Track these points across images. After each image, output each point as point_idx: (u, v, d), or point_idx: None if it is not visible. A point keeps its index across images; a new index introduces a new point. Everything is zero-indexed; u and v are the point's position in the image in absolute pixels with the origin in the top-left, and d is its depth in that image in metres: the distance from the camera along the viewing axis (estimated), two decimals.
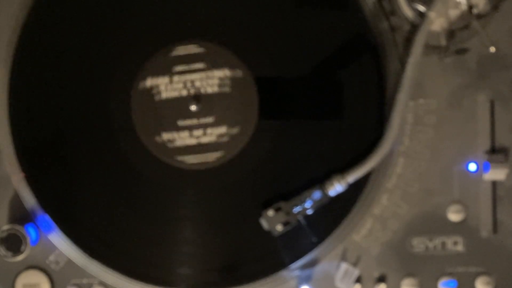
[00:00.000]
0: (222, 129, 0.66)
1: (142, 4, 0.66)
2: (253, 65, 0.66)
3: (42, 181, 0.66)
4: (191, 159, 0.66)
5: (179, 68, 0.66)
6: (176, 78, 0.66)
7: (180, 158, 0.66)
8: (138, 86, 0.66)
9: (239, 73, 0.66)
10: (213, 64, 0.66)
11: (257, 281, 0.66)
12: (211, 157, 0.66)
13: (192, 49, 0.66)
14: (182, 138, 0.66)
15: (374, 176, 0.66)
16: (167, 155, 0.66)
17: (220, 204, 0.66)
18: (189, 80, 0.66)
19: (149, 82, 0.66)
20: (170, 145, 0.66)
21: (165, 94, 0.66)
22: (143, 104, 0.66)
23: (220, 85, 0.66)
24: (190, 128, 0.66)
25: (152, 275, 0.67)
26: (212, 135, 0.66)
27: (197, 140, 0.66)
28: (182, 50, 0.66)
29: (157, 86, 0.66)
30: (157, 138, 0.66)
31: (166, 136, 0.66)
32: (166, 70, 0.66)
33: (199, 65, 0.66)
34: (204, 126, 0.66)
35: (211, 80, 0.66)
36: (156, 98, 0.66)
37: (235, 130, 0.66)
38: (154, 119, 0.66)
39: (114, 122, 0.66)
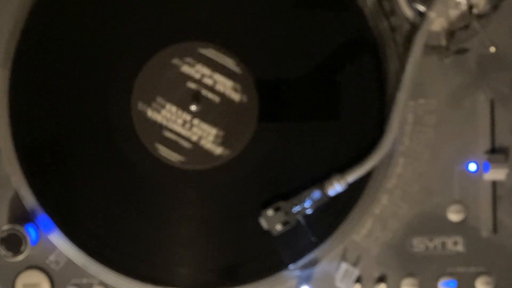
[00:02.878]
0: (216, 132, 0.66)
1: (141, 5, 0.66)
2: (253, 65, 0.66)
3: (42, 181, 0.66)
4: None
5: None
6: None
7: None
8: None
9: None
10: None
11: (257, 281, 0.66)
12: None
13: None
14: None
15: (374, 176, 0.66)
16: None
17: (220, 204, 0.66)
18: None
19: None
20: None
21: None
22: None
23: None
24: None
25: (152, 275, 0.67)
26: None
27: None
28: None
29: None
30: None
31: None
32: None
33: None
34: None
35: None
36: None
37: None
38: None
39: (114, 122, 0.66)
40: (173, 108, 0.66)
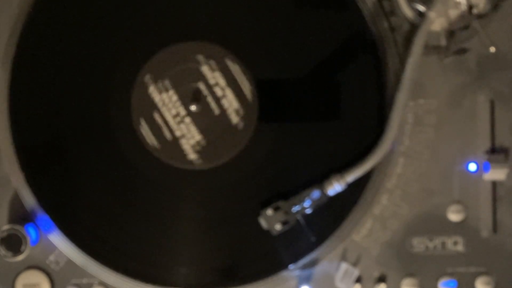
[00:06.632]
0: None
1: (141, 5, 0.66)
2: (252, 65, 0.66)
3: (42, 181, 0.66)
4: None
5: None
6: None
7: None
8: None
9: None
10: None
11: (257, 281, 0.66)
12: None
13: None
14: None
15: (374, 176, 0.66)
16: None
17: (220, 204, 0.66)
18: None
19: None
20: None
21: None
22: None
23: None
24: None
25: (152, 275, 0.67)
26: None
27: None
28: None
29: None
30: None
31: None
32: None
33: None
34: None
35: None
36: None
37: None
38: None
39: (114, 122, 0.66)
40: (174, 97, 0.66)
